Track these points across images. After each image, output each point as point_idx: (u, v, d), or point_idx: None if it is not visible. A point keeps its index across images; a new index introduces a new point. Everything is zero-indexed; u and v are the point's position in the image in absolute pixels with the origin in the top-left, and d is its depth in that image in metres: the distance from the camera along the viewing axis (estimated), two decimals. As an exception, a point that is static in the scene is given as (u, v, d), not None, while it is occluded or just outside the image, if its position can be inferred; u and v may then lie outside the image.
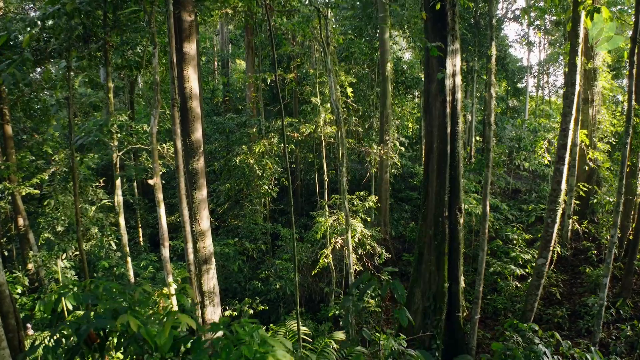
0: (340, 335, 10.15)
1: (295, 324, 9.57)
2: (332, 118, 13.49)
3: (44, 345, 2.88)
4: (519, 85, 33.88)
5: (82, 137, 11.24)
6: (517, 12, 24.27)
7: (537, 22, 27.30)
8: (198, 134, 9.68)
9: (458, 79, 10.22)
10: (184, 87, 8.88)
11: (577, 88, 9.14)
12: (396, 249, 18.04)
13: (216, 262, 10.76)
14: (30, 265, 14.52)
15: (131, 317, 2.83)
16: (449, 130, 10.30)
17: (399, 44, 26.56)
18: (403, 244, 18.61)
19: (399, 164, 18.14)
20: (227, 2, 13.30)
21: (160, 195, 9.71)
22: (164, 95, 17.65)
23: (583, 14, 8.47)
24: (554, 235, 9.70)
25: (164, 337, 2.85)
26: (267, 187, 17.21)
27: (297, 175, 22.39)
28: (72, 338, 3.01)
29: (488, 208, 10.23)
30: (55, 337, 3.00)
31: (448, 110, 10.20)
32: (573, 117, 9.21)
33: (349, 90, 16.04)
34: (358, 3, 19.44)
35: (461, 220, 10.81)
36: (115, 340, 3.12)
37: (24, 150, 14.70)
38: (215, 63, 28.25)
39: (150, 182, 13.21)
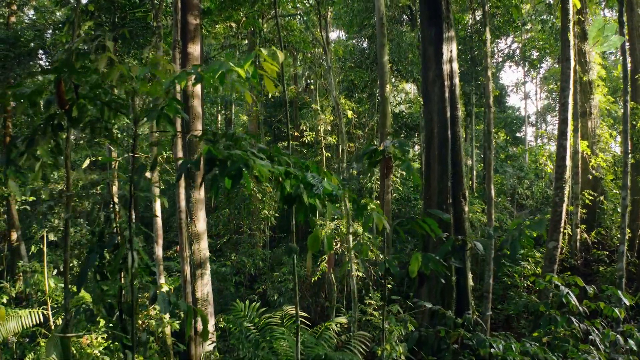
0: (342, 319, 9.54)
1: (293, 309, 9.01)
2: (332, 119, 13.56)
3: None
4: (518, 134, 34.48)
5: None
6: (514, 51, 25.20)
7: (532, 69, 28.33)
8: (198, 133, 9.69)
9: (455, 65, 10.38)
10: (186, 87, 9.01)
11: (572, 63, 9.26)
12: (400, 276, 17.38)
13: (212, 284, 10.18)
14: (20, 283, 13.98)
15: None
16: (448, 114, 10.28)
17: (398, 89, 27.34)
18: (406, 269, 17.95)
19: (400, 189, 18.02)
20: (231, 17, 13.89)
21: (156, 191, 9.54)
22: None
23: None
24: (563, 215, 9.35)
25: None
26: (267, 212, 16.96)
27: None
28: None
29: (493, 192, 9.99)
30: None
31: (447, 94, 10.25)
32: (571, 92, 9.24)
33: (350, 113, 16.32)
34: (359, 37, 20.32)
35: (466, 208, 10.48)
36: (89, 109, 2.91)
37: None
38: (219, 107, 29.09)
39: (147, 174, 13.05)
